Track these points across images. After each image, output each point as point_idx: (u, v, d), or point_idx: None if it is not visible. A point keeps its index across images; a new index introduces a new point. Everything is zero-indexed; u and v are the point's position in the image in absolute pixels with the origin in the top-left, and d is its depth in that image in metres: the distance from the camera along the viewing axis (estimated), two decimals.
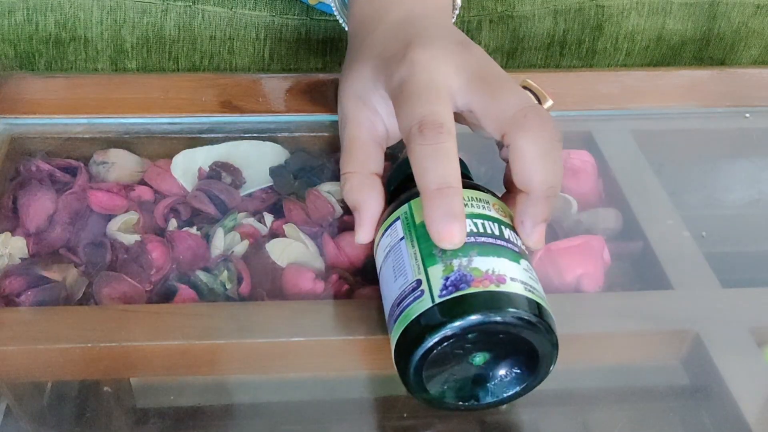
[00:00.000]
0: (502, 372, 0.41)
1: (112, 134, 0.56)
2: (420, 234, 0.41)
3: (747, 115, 0.61)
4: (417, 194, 0.43)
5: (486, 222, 0.41)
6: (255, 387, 0.47)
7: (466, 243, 0.40)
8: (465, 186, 0.43)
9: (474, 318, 0.37)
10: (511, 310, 0.38)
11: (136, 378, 0.46)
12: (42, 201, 0.51)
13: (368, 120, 0.47)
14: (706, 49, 0.78)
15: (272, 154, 0.56)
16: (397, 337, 0.39)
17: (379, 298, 0.45)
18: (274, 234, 0.51)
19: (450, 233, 0.40)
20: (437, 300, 0.38)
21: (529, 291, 0.39)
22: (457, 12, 0.56)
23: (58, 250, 0.49)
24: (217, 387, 0.46)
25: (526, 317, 0.38)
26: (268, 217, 0.52)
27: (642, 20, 0.75)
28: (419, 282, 0.39)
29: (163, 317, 0.44)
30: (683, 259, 0.50)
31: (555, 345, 0.39)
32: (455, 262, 0.39)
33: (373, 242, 0.45)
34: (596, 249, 0.50)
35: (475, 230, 0.41)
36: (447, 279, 0.39)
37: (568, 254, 0.50)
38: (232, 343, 0.44)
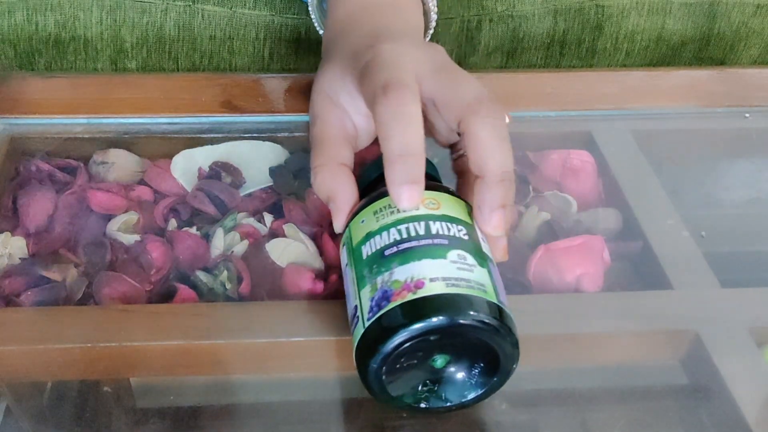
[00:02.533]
0: (463, 373, 0.40)
1: (112, 134, 0.56)
2: (356, 257, 0.41)
3: (747, 115, 0.61)
4: (354, 215, 0.43)
5: (411, 224, 0.41)
6: (255, 387, 0.47)
7: (388, 255, 0.40)
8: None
9: (397, 337, 0.37)
10: (425, 316, 0.37)
11: (136, 378, 0.46)
12: (42, 201, 0.51)
13: (336, 118, 0.48)
14: (706, 49, 0.78)
15: (272, 154, 0.56)
16: (354, 363, 0.40)
17: None
18: (274, 234, 0.51)
19: (409, 196, 0.41)
20: (366, 324, 0.38)
21: (453, 285, 0.38)
22: (431, 32, 0.56)
23: (58, 250, 0.49)
24: (217, 387, 0.46)
25: (441, 318, 0.37)
26: (268, 217, 0.52)
27: (642, 20, 0.75)
28: (356, 308, 0.40)
29: (163, 317, 0.44)
30: (683, 259, 0.50)
31: (492, 331, 0.38)
32: (379, 280, 0.39)
33: None
34: (596, 249, 0.50)
35: (398, 238, 0.40)
36: (372, 300, 0.39)
37: (568, 254, 0.50)
38: (232, 343, 0.44)
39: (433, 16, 0.56)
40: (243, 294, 0.47)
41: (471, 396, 0.41)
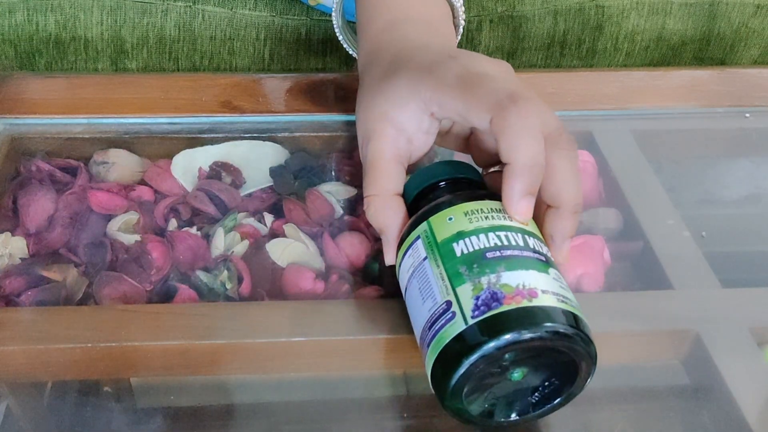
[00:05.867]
0: (541, 385, 0.40)
1: (112, 134, 0.56)
2: (444, 252, 0.41)
3: (747, 115, 0.61)
4: (435, 210, 0.42)
5: (509, 233, 0.40)
6: (255, 387, 0.47)
7: (492, 258, 0.39)
8: (484, 197, 0.43)
9: (509, 337, 0.37)
10: (546, 325, 0.37)
11: (136, 378, 0.46)
12: (42, 201, 0.51)
13: (392, 137, 0.47)
14: (706, 49, 0.78)
15: (272, 154, 0.56)
16: (432, 362, 0.39)
17: (379, 297, 0.45)
18: (274, 234, 0.51)
19: (527, 208, 0.42)
20: (470, 321, 0.37)
21: (563, 302, 0.38)
22: (458, 38, 0.56)
23: (58, 250, 0.49)
24: (217, 387, 0.46)
25: (562, 330, 0.37)
26: (268, 217, 0.52)
27: (642, 20, 0.75)
28: (449, 303, 0.39)
29: (163, 317, 0.44)
30: (683, 259, 0.50)
31: (593, 355, 0.38)
32: (483, 280, 0.38)
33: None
34: (596, 249, 0.50)
35: (499, 243, 0.40)
36: (477, 299, 0.38)
37: None
38: (232, 343, 0.44)
39: (461, 30, 0.56)
40: (243, 294, 0.47)
41: (538, 411, 0.41)
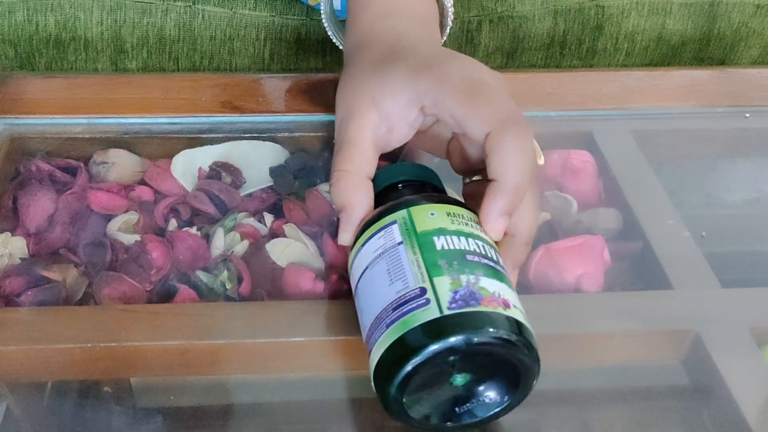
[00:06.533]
0: (483, 392, 0.40)
1: (112, 134, 0.56)
2: (423, 243, 0.41)
3: (747, 115, 0.61)
4: (417, 202, 0.43)
5: (485, 245, 0.41)
6: (255, 387, 0.47)
7: (471, 261, 0.40)
8: (463, 205, 0.43)
9: (486, 335, 0.37)
10: (516, 334, 0.38)
11: (136, 378, 0.46)
12: (42, 201, 0.51)
13: (375, 122, 0.46)
14: (706, 49, 0.78)
15: (272, 154, 0.56)
16: (390, 342, 0.39)
17: None
18: (274, 234, 0.51)
19: (501, 228, 0.42)
20: (446, 311, 0.38)
21: (525, 319, 0.39)
22: (444, 39, 0.56)
23: (58, 250, 0.49)
24: (217, 387, 0.46)
25: (527, 343, 0.38)
26: (268, 217, 0.52)
27: (642, 20, 0.75)
28: (423, 290, 0.39)
29: (163, 317, 0.44)
30: (683, 259, 0.50)
31: (538, 370, 0.39)
32: (463, 278, 0.39)
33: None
34: (596, 249, 0.50)
35: (478, 250, 0.40)
36: (456, 293, 0.38)
37: (568, 254, 0.50)
38: (232, 343, 0.44)
39: (447, 31, 0.56)
40: (243, 294, 0.47)
41: (479, 417, 0.41)
